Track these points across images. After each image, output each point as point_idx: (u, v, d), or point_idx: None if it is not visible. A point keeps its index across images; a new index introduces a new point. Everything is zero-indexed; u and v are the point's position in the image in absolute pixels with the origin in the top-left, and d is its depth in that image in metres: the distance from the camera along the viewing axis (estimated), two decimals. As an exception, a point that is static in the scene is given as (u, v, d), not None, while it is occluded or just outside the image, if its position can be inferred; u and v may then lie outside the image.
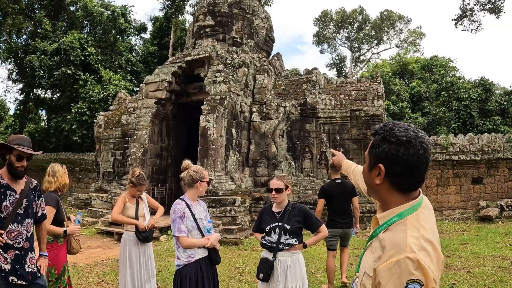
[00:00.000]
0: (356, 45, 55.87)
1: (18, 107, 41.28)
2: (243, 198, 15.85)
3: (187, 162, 4.95)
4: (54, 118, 33.69)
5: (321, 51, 59.73)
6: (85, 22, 37.58)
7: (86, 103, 29.59)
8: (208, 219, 4.86)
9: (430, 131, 28.24)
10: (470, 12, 30.49)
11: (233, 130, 17.98)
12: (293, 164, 18.73)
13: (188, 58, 19.21)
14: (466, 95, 27.70)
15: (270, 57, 22.93)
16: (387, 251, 1.77)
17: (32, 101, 39.37)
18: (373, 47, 56.54)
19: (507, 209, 17.86)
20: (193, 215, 4.61)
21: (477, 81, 29.48)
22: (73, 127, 29.48)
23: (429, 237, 1.79)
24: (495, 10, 29.30)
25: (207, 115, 16.76)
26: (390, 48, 56.56)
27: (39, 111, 44.04)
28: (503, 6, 28.84)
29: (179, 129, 20.91)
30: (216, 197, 15.46)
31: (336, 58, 57.42)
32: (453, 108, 28.21)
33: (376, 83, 19.87)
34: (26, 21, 37.34)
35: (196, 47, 20.83)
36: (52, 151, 33.30)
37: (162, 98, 18.96)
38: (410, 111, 30.62)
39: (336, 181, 8.19)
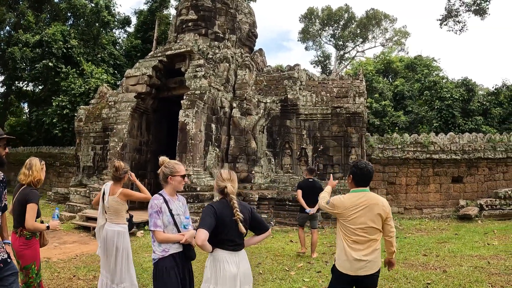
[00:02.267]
0: (341, 42, 55.73)
1: (0, 100, 40.65)
2: (221, 194, 15.63)
3: (162, 158, 4.94)
4: (35, 111, 33.14)
5: (306, 48, 59.26)
6: (69, 15, 36.98)
7: (67, 96, 29.09)
8: (187, 215, 4.84)
9: (412, 129, 28.21)
10: (455, 13, 30.50)
11: (213, 126, 17.73)
12: (273, 160, 18.55)
13: (169, 52, 18.94)
14: (449, 95, 27.72)
15: (252, 53, 22.67)
16: None
17: (14, 94, 38.71)
18: (358, 45, 56.52)
19: (487, 209, 17.87)
20: (170, 210, 4.61)
21: (460, 81, 29.51)
22: (54, 120, 28.99)
23: (343, 198, 4.65)
24: (480, 12, 29.29)
25: (187, 109, 16.50)
26: (375, 46, 56.84)
27: (21, 104, 43.36)
28: (488, 8, 29.00)
29: (159, 124, 20.60)
30: (194, 193, 15.19)
31: (321, 55, 57.26)
32: (436, 107, 28.23)
33: (358, 81, 19.75)
34: (9, 12, 36.60)
35: (178, 41, 20.51)
36: (33, 144, 32.86)
37: (142, 92, 18.65)
38: (393, 109, 30.53)
39: (309, 180, 10.85)
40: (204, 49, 19.70)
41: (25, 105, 43.38)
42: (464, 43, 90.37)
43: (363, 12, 65.58)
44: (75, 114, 24.19)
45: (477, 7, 29.46)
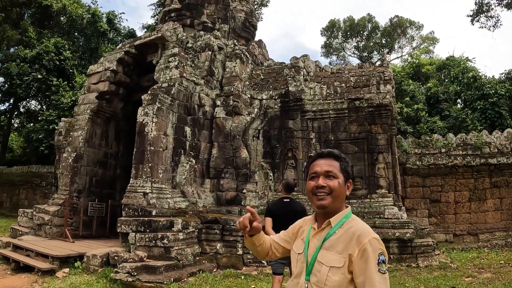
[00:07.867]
0: (366, 54, 50.02)
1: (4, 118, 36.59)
2: (186, 220, 10.05)
3: None
4: (25, 128, 28.97)
5: (330, 63, 53.31)
6: (69, 28, 32.73)
7: (57, 110, 24.77)
8: None
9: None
10: (487, 8, 27.13)
11: (187, 129, 12.39)
12: (271, 175, 12.88)
13: (138, 42, 14.12)
14: (493, 91, 21.94)
15: (249, 44, 17.19)
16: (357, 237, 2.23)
17: (16, 111, 34.55)
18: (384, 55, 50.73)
19: None
20: None
21: (503, 75, 23.86)
22: (40, 136, 24.75)
23: None
24: (513, 5, 26.16)
25: (147, 106, 11.29)
26: (402, 55, 50.28)
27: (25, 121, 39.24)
28: (521, 1, 25.43)
29: (133, 133, 15.29)
30: (146, 218, 9.82)
31: (346, 69, 51.58)
32: (478, 108, 22.43)
33: (382, 67, 14.17)
34: (12, 30, 32.69)
35: (154, 32, 15.38)
36: (25, 163, 28.61)
37: (104, 91, 13.75)
38: (427, 114, 24.77)
39: (284, 200, 6.80)
40: (184, 37, 14.48)
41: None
42: (501, 43, 79.25)
43: (387, 20, 59.59)
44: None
45: (509, 0, 25.97)
